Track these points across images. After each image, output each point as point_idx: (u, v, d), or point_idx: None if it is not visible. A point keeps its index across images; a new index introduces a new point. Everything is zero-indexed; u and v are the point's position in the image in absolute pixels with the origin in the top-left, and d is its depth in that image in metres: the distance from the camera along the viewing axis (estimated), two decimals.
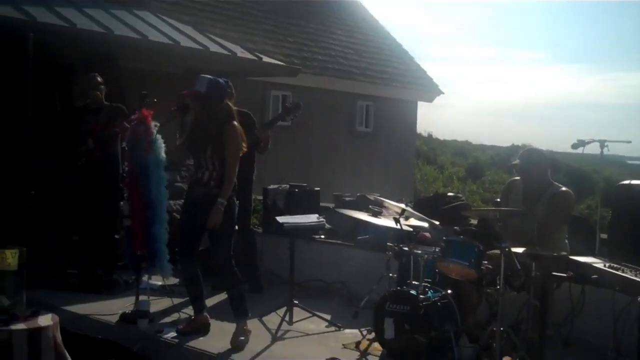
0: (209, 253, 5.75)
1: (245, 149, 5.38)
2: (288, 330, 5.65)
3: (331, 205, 8.28)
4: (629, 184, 6.28)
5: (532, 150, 5.76)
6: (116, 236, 6.91)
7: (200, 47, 10.02)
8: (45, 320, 4.64)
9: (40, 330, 4.51)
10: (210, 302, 6.07)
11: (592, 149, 6.24)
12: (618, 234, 6.03)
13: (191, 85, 5.33)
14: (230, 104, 5.42)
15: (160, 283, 6.58)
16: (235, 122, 5.32)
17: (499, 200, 5.83)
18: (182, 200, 9.18)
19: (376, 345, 5.16)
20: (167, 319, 5.82)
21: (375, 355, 5.13)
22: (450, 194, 8.30)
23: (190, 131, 5.43)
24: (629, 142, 7.11)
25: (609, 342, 4.86)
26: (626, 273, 4.28)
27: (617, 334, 4.61)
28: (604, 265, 4.40)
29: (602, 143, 6.21)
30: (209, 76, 5.36)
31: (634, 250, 5.44)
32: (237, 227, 5.60)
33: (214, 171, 5.27)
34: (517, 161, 5.63)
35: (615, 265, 4.39)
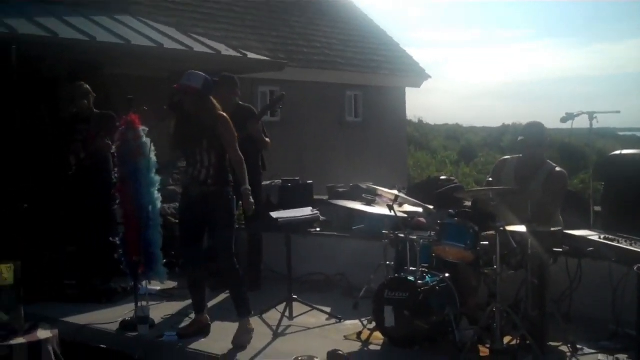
0: (208, 253, 5.77)
1: (238, 135, 5.37)
2: (289, 326, 5.63)
3: (325, 197, 8.25)
4: (620, 154, 6.28)
5: (538, 124, 5.59)
6: (114, 241, 6.88)
7: (184, 48, 9.98)
8: (45, 333, 4.65)
9: (40, 343, 4.51)
10: (209, 302, 6.07)
11: (582, 123, 6.24)
12: (611, 205, 6.03)
13: (182, 80, 5.28)
14: (213, 100, 5.38)
15: (158, 288, 6.57)
16: (223, 113, 5.34)
17: (490, 179, 5.79)
18: (176, 204, 9.23)
19: (377, 334, 5.15)
20: (168, 323, 5.79)
21: (377, 345, 5.12)
22: (443, 177, 8.29)
23: (180, 127, 5.36)
24: (618, 112, 7.13)
25: (609, 314, 4.87)
26: (621, 243, 4.28)
27: (616, 305, 4.61)
28: (599, 238, 4.40)
29: (591, 115, 6.21)
30: (200, 72, 5.34)
31: (628, 220, 5.44)
32: (244, 226, 5.57)
33: (210, 167, 5.24)
34: (521, 138, 5.55)
35: (610, 237, 4.40)
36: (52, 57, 8.61)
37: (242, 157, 5.32)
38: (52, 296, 6.50)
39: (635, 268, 3.93)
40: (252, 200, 5.29)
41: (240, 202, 5.52)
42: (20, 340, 4.50)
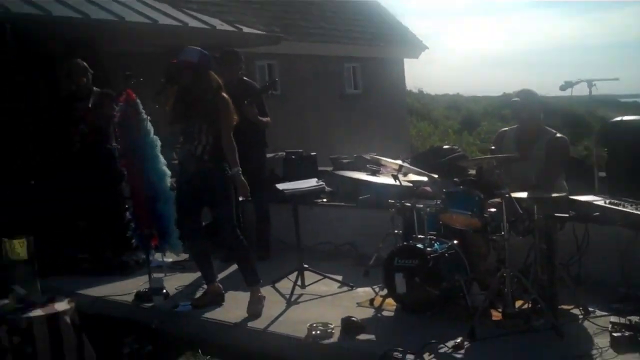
0: (211, 227, 5.82)
1: (236, 120, 5.38)
2: (301, 294, 5.70)
3: (329, 169, 8.29)
4: (621, 120, 6.30)
5: (529, 90, 5.64)
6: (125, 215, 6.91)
7: (179, 24, 9.92)
8: (62, 305, 4.70)
9: (58, 315, 4.56)
10: (222, 274, 6.16)
11: (581, 91, 6.27)
12: (616, 170, 6.08)
13: (179, 56, 5.30)
14: (214, 75, 5.35)
15: (171, 260, 6.65)
16: (224, 93, 5.32)
17: (493, 147, 5.81)
18: None
19: (390, 300, 5.22)
20: (182, 294, 5.88)
21: (390, 311, 5.19)
22: (446, 146, 8.31)
23: (178, 103, 5.35)
24: (617, 79, 7.19)
25: (618, 277, 4.93)
26: (627, 208, 4.31)
27: (625, 268, 4.67)
28: (605, 202, 4.43)
29: (590, 83, 6.24)
30: (197, 47, 5.34)
31: (633, 185, 5.50)
32: (250, 198, 5.58)
33: (207, 145, 5.27)
34: (516, 99, 5.60)
35: (616, 201, 4.43)
36: (46, 35, 8.55)
37: (234, 144, 5.28)
38: (66, 270, 6.59)
39: None
40: (245, 182, 5.28)
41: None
42: (39, 312, 4.56)
